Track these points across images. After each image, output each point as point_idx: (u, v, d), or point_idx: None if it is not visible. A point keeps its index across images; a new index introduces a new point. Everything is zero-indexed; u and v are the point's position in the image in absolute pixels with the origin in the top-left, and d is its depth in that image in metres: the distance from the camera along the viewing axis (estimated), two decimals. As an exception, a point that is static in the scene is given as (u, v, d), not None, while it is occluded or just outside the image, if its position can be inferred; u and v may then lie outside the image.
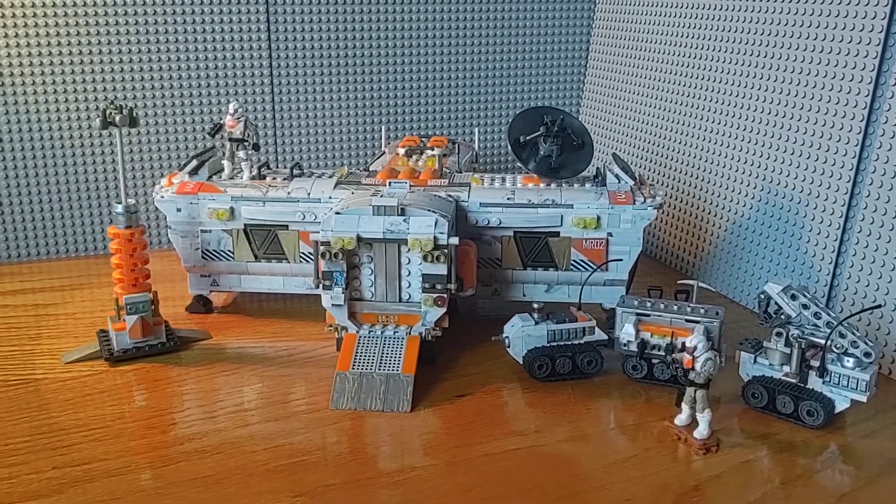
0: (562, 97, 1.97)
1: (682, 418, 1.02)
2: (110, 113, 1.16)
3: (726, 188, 1.51)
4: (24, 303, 1.43)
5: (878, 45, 1.20)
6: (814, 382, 1.04)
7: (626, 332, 1.13)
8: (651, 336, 1.13)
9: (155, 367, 1.19)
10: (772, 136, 1.40)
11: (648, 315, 1.14)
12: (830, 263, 1.28)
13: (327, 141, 1.81)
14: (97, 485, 0.90)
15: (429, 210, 1.16)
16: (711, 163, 1.54)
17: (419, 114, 1.87)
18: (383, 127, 1.74)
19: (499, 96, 1.92)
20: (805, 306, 1.05)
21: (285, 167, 1.39)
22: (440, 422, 1.06)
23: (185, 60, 1.67)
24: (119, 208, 1.19)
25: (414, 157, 1.47)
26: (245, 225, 1.30)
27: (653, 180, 1.70)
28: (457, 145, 1.57)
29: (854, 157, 1.24)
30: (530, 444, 1.00)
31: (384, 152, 1.60)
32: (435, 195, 1.25)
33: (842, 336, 1.02)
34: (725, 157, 1.51)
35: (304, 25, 1.73)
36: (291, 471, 0.94)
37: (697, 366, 0.98)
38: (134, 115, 1.18)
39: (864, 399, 1.01)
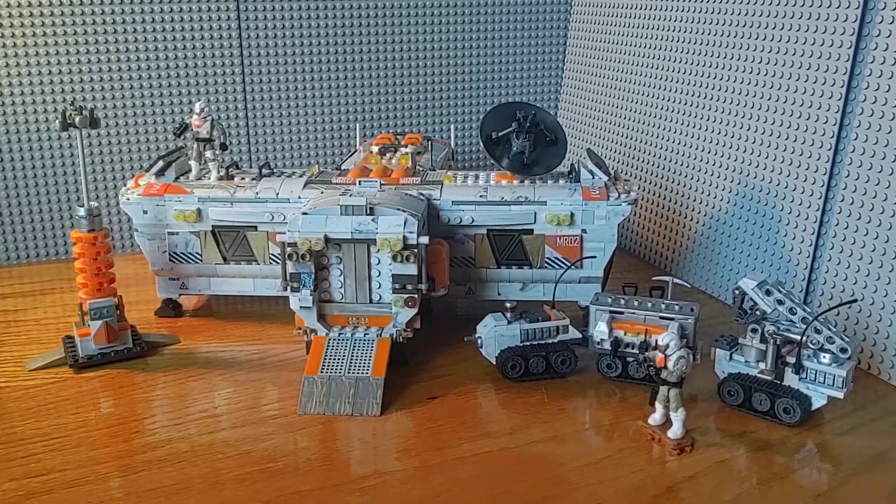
0: (539, 93, 1.95)
1: (655, 417, 1.00)
2: (70, 114, 1.13)
3: (703, 182, 1.49)
4: (-9, 309, 1.40)
5: (852, 34, 1.18)
6: (790, 379, 1.02)
7: (600, 330, 1.11)
8: (625, 334, 1.11)
9: (121, 373, 1.16)
10: (748, 130, 1.38)
11: (622, 313, 1.12)
12: (808, 258, 1.27)
13: (301, 139, 1.78)
14: (55, 496, 0.88)
15: (398, 209, 1.13)
16: (688, 156, 1.52)
17: (395, 111, 1.84)
18: (357, 125, 1.72)
19: (475, 92, 1.90)
20: (780, 302, 1.03)
21: (259, 166, 1.36)
22: (411, 425, 1.04)
23: (153, 59, 1.64)
24: (81, 211, 1.16)
25: (387, 154, 1.45)
26: (213, 226, 1.27)
27: (630, 175, 1.68)
28: (431, 143, 1.55)
29: (830, 150, 1.23)
30: (503, 447, 0.98)
31: (358, 150, 1.58)
32: (406, 194, 1.23)
33: (818, 332, 1.00)
34: (702, 150, 1.49)
35: (277, 22, 1.70)
36: (258, 478, 0.92)
37: (670, 364, 0.96)
38: (95, 116, 1.15)
39: (840, 395, 1.00)
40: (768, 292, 1.04)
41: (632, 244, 1.69)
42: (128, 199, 1.28)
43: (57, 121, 1.14)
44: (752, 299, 1.05)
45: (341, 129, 1.81)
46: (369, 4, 1.75)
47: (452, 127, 1.74)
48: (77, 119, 1.13)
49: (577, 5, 1.88)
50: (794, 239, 1.29)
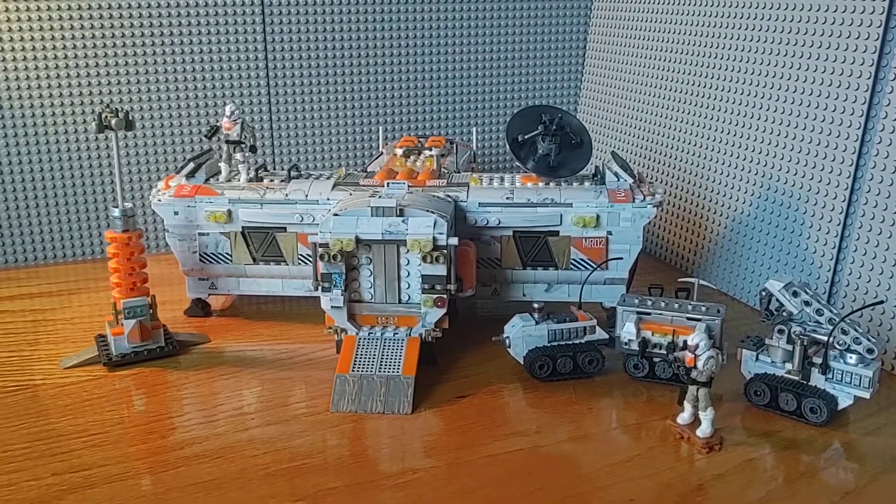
0: (559, 95, 1.96)
1: (684, 417, 1.01)
2: (106, 116, 1.15)
3: (726, 185, 1.50)
4: (22, 308, 1.42)
5: (876, 39, 1.19)
6: (816, 379, 1.04)
7: (627, 330, 1.13)
8: (652, 335, 1.12)
9: (154, 371, 1.18)
10: (771, 133, 1.39)
11: (649, 314, 1.13)
12: (831, 259, 1.28)
13: (325, 142, 1.80)
14: (97, 491, 0.90)
15: (427, 210, 1.15)
16: (711, 159, 1.54)
17: (417, 114, 1.86)
18: (381, 127, 1.74)
19: (496, 95, 1.91)
20: (807, 303, 1.04)
21: (283, 169, 1.38)
22: (441, 423, 1.05)
23: (181, 63, 1.66)
24: (116, 212, 1.18)
25: (412, 157, 1.47)
26: (243, 227, 1.29)
27: (652, 178, 1.69)
28: (455, 145, 1.56)
29: (854, 153, 1.23)
30: (532, 445, 1.00)
31: (382, 153, 1.60)
32: (433, 195, 1.24)
33: (844, 332, 1.01)
34: (725, 153, 1.50)
35: (301, 26, 1.72)
36: (292, 475, 0.93)
37: (699, 364, 0.98)
38: (130, 118, 1.17)
39: (867, 396, 1.01)
40: (795, 293, 1.05)
41: (655, 246, 1.71)
42: (159, 200, 1.30)
43: (93, 123, 1.16)
44: (778, 300, 1.06)
45: (364, 132, 1.83)
46: (391, 9, 1.77)
47: (474, 129, 1.76)
48: (113, 121, 1.15)
49: (597, 9, 1.90)
50: (817, 241, 1.30)
